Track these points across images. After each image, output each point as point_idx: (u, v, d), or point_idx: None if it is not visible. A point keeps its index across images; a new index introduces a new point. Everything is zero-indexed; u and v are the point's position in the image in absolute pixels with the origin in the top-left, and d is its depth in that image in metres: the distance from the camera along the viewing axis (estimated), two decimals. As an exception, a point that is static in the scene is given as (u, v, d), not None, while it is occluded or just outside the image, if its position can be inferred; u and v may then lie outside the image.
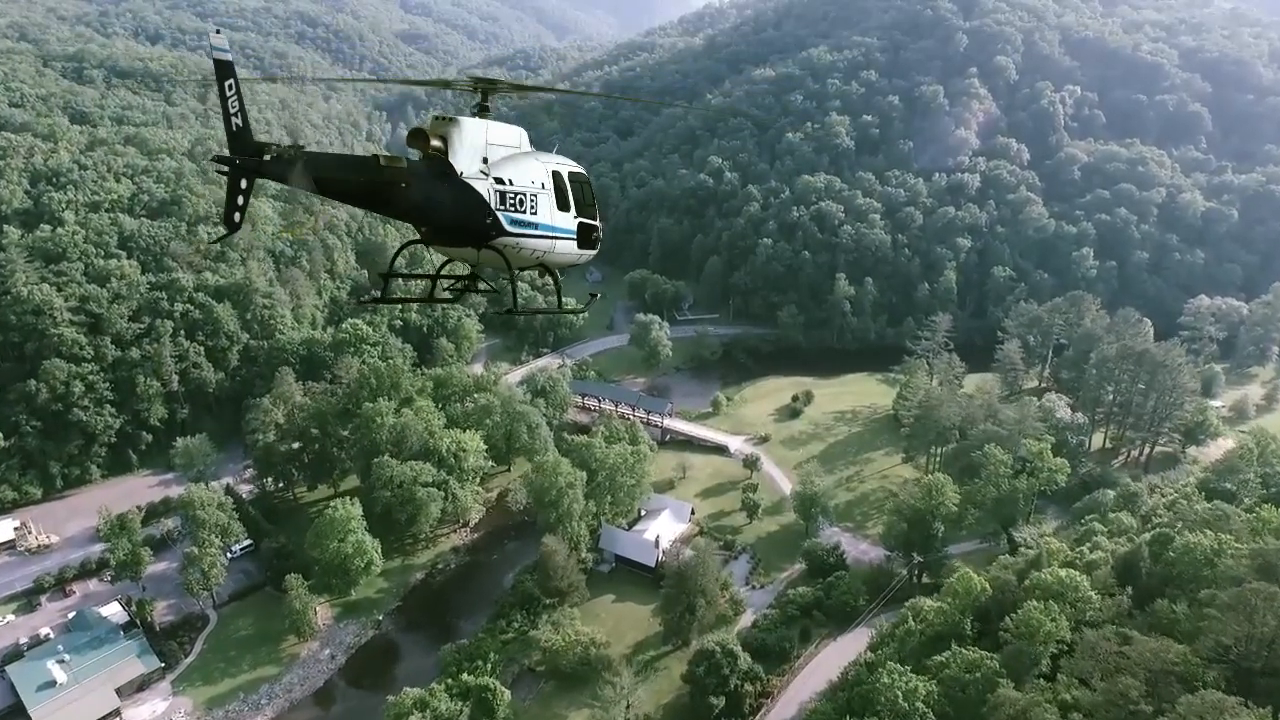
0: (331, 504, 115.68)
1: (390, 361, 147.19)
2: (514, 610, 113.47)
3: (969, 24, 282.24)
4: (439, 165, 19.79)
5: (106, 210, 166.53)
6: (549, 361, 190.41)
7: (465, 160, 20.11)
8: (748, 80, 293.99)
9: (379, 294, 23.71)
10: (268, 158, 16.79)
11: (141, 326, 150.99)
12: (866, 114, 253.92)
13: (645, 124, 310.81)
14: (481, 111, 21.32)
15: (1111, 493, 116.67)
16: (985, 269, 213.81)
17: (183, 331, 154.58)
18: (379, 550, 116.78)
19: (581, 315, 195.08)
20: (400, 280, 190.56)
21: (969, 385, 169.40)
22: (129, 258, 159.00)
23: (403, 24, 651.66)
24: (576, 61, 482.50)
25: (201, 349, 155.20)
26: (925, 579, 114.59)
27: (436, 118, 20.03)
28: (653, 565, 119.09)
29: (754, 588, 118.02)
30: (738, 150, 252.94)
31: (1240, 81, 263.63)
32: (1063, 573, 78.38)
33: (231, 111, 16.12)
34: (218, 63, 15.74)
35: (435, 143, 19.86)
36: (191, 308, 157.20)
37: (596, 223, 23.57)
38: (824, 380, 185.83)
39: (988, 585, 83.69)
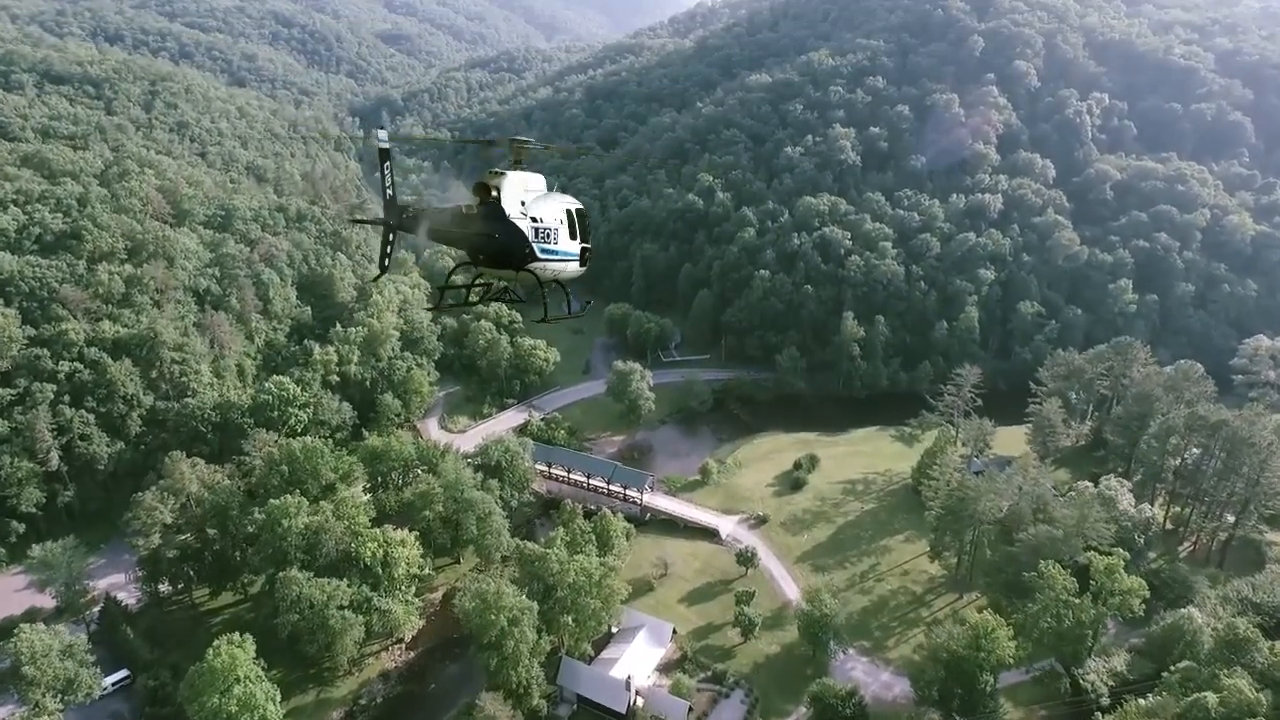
0: (213, 645, 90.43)
1: (308, 440, 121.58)
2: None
3: (984, 25, 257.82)
4: (495, 210, 25.84)
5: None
6: (514, 416, 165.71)
7: (511, 204, 26.12)
8: (742, 87, 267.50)
9: (435, 304, 31.28)
10: (406, 215, 23.30)
11: (14, 392, 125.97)
12: (873, 125, 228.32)
13: (631, 134, 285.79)
14: (516, 165, 27.11)
15: (1201, 619, 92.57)
16: (1010, 304, 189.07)
17: (68, 396, 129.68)
18: (277, 700, 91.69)
19: (555, 361, 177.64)
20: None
21: (997, 442, 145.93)
22: (6, 306, 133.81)
23: (385, 24, 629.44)
24: (562, 64, 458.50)
25: (92, 417, 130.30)
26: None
27: (491, 171, 26.22)
28: (623, 711, 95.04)
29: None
30: (731, 166, 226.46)
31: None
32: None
33: (386, 184, 22.88)
34: (380, 150, 22.56)
35: (492, 192, 25.81)
36: (81, 367, 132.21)
37: (590, 245, 29.52)
38: (830, 437, 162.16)
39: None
